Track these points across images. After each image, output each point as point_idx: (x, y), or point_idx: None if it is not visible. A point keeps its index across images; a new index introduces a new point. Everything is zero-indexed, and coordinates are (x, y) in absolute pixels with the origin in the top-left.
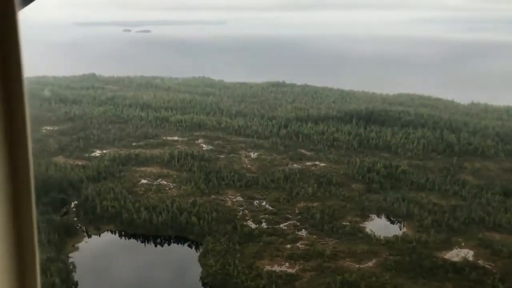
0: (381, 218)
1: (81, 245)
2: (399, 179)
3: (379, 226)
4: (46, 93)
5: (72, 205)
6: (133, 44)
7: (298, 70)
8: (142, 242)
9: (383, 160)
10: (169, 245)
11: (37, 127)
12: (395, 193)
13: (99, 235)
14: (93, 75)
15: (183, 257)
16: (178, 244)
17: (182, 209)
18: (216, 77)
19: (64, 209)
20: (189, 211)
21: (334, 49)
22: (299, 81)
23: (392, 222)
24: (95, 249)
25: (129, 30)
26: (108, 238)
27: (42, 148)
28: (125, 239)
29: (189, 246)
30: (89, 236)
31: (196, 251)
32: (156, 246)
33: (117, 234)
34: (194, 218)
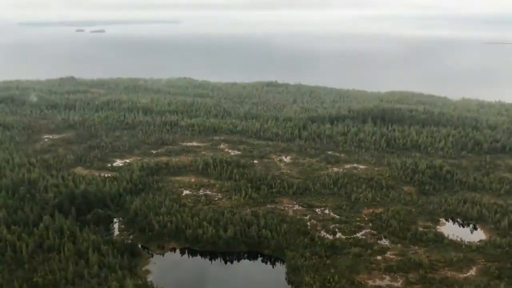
0: (450, 222)
1: (150, 267)
2: (446, 179)
3: (454, 230)
4: (33, 98)
5: (116, 220)
6: (90, 44)
7: (271, 68)
8: (210, 259)
9: (417, 159)
10: (238, 261)
11: (37, 135)
12: (452, 195)
13: (163, 255)
14: (72, 78)
15: (266, 275)
16: (250, 260)
17: (247, 222)
18: (191, 76)
19: (112, 226)
20: (256, 223)
21: (300, 47)
22: (273, 78)
23: (463, 225)
24: (167, 271)
25: (83, 30)
26: (174, 257)
27: (56, 159)
28: (191, 256)
29: (263, 261)
30: (151, 256)
31: (273, 267)
32: (226, 263)
33: (182, 252)
34: (265, 231)
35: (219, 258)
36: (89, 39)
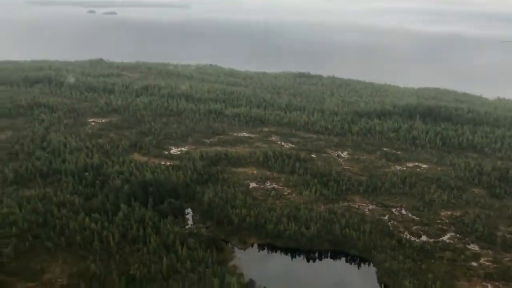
0: None
1: (235, 262)
2: None
3: None
4: (71, 80)
5: (188, 211)
6: (104, 26)
7: (290, 58)
8: (292, 256)
9: (480, 161)
10: (320, 260)
11: (82, 118)
12: None
13: (244, 249)
14: (101, 60)
15: (354, 276)
16: (334, 259)
17: (327, 219)
18: (209, 62)
19: (186, 217)
20: (337, 221)
21: (318, 38)
22: (292, 69)
23: None
24: (254, 267)
25: (94, 11)
26: (255, 252)
27: (111, 144)
28: (271, 252)
29: (347, 262)
30: (233, 250)
31: (358, 268)
32: (308, 261)
33: (260, 248)
34: (349, 231)
35: (301, 256)
36: (102, 20)
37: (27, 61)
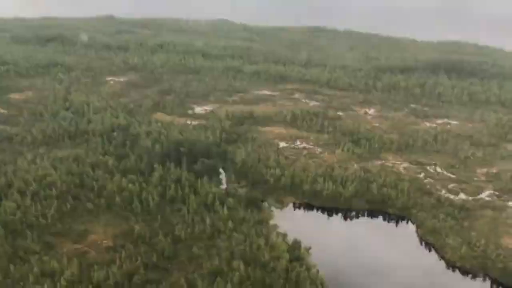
0: None
1: (276, 222)
2: None
3: None
4: (84, 37)
5: (222, 171)
6: None
7: (303, 11)
8: (329, 215)
9: (505, 116)
10: (358, 218)
11: (100, 77)
12: None
13: (281, 209)
14: (111, 16)
15: (394, 235)
16: (371, 218)
17: (364, 178)
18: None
19: (220, 177)
20: (374, 180)
21: None
22: (307, 23)
23: None
24: (294, 226)
25: None
26: (291, 211)
27: (134, 103)
28: (307, 211)
29: (385, 220)
30: (271, 210)
31: (396, 226)
32: (346, 220)
33: (295, 207)
34: (388, 190)
35: (339, 215)
36: None
37: (35, 18)
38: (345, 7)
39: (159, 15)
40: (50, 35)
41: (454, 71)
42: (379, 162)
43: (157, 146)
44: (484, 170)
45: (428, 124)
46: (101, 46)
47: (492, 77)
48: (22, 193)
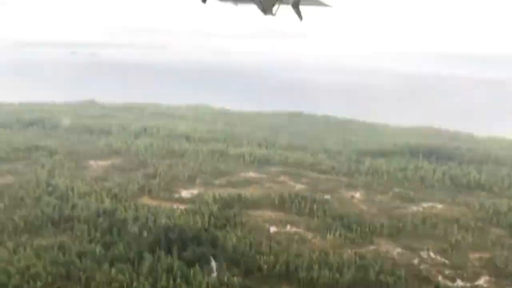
0: None
1: None
2: None
3: None
4: (66, 122)
5: (212, 258)
6: (87, 67)
7: (276, 98)
8: None
9: (495, 201)
10: None
11: (84, 161)
12: None
13: None
14: (93, 101)
15: None
16: None
17: (360, 265)
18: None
19: (212, 266)
20: (371, 267)
21: (299, 78)
22: (284, 108)
23: None
24: None
25: (76, 52)
26: None
27: (119, 188)
28: None
29: None
30: None
31: None
32: None
33: None
34: (385, 277)
35: None
36: (86, 61)
37: (15, 103)
38: (316, 89)
39: (140, 100)
40: (31, 119)
41: (433, 155)
42: (373, 247)
43: (145, 233)
44: (477, 255)
45: (414, 208)
46: (84, 130)
47: (469, 162)
48: (3, 286)
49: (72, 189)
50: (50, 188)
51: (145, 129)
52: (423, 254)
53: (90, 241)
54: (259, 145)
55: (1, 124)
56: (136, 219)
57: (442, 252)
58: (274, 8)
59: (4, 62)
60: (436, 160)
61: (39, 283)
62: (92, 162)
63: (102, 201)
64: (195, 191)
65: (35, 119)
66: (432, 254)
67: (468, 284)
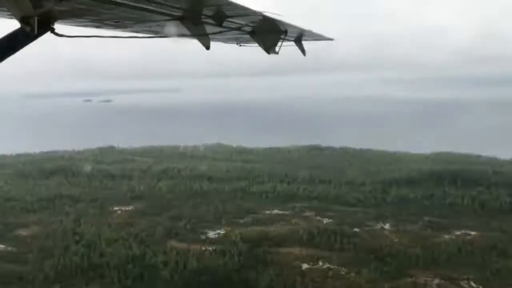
0: None
1: None
2: None
3: None
4: (87, 169)
5: None
6: (102, 114)
7: (293, 132)
8: None
9: None
10: None
11: (107, 207)
12: None
13: None
14: (112, 147)
15: None
16: None
17: None
18: (218, 142)
19: None
20: None
21: (312, 110)
22: (299, 142)
23: None
24: None
25: (90, 100)
26: None
27: (146, 233)
28: None
29: None
30: None
31: None
32: None
33: None
34: None
35: None
36: (100, 108)
37: (35, 153)
38: (328, 120)
39: (157, 143)
40: (52, 168)
41: (458, 181)
42: (410, 280)
43: (176, 277)
44: None
45: (447, 236)
46: (105, 176)
47: (497, 185)
48: None
49: (99, 237)
50: (77, 237)
51: (165, 172)
52: (464, 284)
53: None
54: (281, 181)
55: (23, 174)
56: (166, 263)
57: (484, 280)
58: (277, 47)
59: (21, 113)
60: (463, 185)
61: None
62: (116, 208)
63: (130, 247)
64: (221, 231)
65: (56, 168)
66: (473, 284)
67: None
